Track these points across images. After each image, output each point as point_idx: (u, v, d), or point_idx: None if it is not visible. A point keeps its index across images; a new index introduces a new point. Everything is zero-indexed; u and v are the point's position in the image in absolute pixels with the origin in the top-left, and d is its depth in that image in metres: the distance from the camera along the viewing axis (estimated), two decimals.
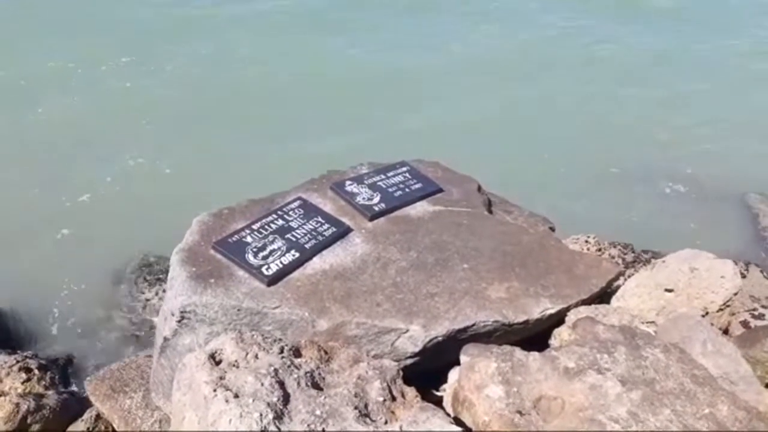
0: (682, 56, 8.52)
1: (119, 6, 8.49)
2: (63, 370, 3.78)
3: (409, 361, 2.54)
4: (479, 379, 2.09)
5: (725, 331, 3.22)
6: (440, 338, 2.54)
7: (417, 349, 2.52)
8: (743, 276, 4.94)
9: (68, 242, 4.40)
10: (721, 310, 3.00)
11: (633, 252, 4.81)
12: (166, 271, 2.80)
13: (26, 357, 3.68)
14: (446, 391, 2.42)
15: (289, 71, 7.26)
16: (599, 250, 4.65)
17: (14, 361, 3.59)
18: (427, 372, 2.60)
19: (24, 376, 3.53)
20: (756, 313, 4.21)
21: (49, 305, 3.93)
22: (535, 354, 2.19)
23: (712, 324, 3.02)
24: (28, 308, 3.91)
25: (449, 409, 2.25)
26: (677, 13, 9.94)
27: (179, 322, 2.53)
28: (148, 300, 3.93)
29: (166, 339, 2.61)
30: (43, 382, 3.53)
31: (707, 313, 2.98)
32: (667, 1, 10.11)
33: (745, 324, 3.66)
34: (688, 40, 9.06)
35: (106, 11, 8.35)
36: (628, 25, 9.50)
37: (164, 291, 3.06)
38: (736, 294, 2.99)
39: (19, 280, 4.06)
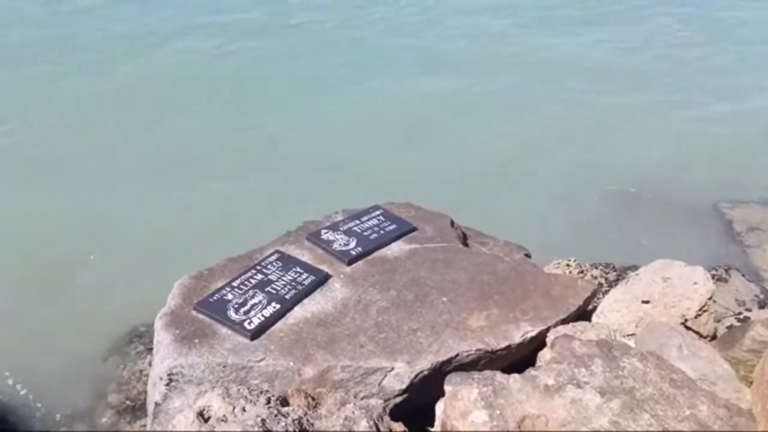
0: (641, 69, 8.75)
1: None
2: None
3: (398, 399, 2.58)
4: (463, 406, 2.13)
5: (713, 338, 3.26)
6: (426, 372, 2.58)
7: (404, 386, 2.56)
8: (725, 281, 5.03)
9: (56, 318, 4.40)
10: (699, 315, 3.06)
11: (615, 270, 4.88)
12: None
13: None
14: (436, 423, 2.45)
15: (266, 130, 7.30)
16: (581, 272, 4.71)
17: None
18: (422, 409, 2.63)
19: None
20: (741, 317, 4.27)
21: (42, 386, 3.90)
22: (515, 376, 2.24)
23: (696, 332, 3.08)
24: (21, 392, 3.89)
25: None
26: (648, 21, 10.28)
27: (167, 385, 2.55)
28: (141, 370, 3.94)
29: (157, 404, 2.63)
30: None
31: (686, 320, 3.04)
32: None
33: (731, 329, 3.71)
34: (649, 51, 9.33)
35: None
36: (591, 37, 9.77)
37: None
38: (710, 298, 3.04)
39: (11, 362, 4.05)
